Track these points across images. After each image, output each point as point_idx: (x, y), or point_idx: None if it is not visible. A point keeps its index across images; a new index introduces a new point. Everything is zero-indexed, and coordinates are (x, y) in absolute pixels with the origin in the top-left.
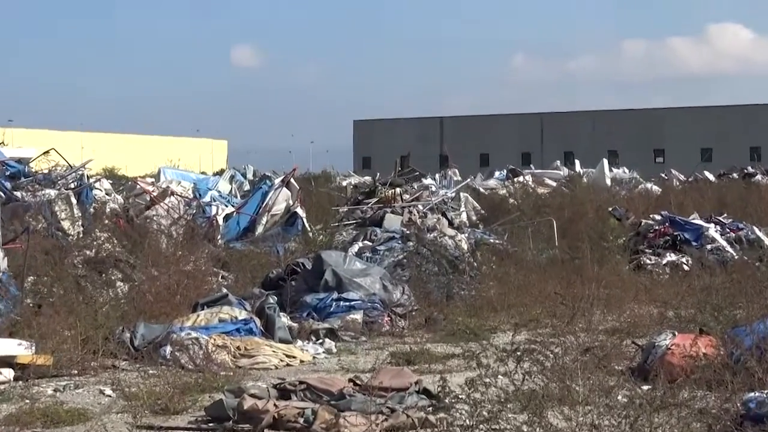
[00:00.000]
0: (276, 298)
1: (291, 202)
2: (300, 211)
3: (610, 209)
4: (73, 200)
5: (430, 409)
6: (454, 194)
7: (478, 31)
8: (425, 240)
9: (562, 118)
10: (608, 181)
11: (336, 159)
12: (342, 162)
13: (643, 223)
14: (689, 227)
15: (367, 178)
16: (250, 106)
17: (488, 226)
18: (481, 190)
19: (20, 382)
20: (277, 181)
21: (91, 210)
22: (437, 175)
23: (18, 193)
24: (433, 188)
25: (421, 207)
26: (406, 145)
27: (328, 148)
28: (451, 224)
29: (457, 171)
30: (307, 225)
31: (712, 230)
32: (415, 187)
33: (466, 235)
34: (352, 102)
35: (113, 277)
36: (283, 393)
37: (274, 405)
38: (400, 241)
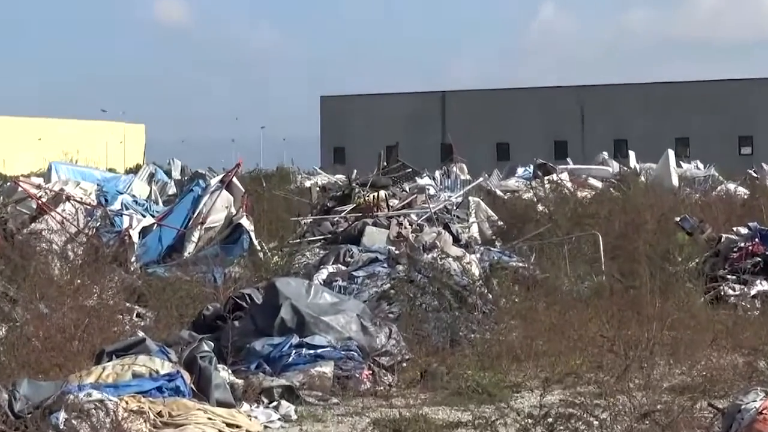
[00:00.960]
0: (212, 344)
1: (233, 211)
2: (246, 222)
3: (678, 219)
4: None
5: None
6: (460, 199)
7: None
8: (420, 263)
9: (609, 94)
10: (675, 181)
11: (297, 151)
12: (305, 155)
13: (723, 239)
14: None
15: (340, 177)
16: (179, 78)
17: (508, 244)
18: (499, 193)
19: None
20: (215, 181)
21: None
22: (438, 173)
23: None
24: (432, 191)
25: (414, 217)
26: (393, 130)
27: (285, 135)
28: (456, 241)
29: (464, 167)
30: (255, 242)
31: None
32: (407, 189)
33: (478, 255)
34: (319, 72)
35: None
36: None
37: None
38: (385, 265)
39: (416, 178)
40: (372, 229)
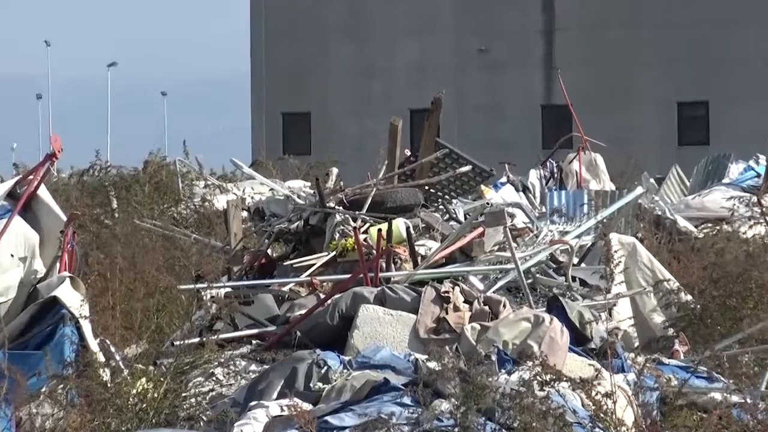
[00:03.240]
0: None
1: (40, 266)
2: (70, 294)
3: None
4: None
5: None
6: (589, 240)
7: None
8: (492, 394)
9: None
10: None
11: (197, 124)
12: (217, 138)
13: None
14: None
15: (297, 187)
16: None
17: (705, 349)
18: (682, 222)
19: None
20: None
21: None
22: (534, 174)
23: None
24: (524, 217)
25: (475, 281)
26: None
27: (166, 88)
28: (583, 339)
29: (599, 161)
30: (92, 343)
31: None
32: (466, 213)
33: (631, 374)
34: None
35: None
36: None
37: None
38: (406, 398)
39: (486, 187)
40: (372, 311)
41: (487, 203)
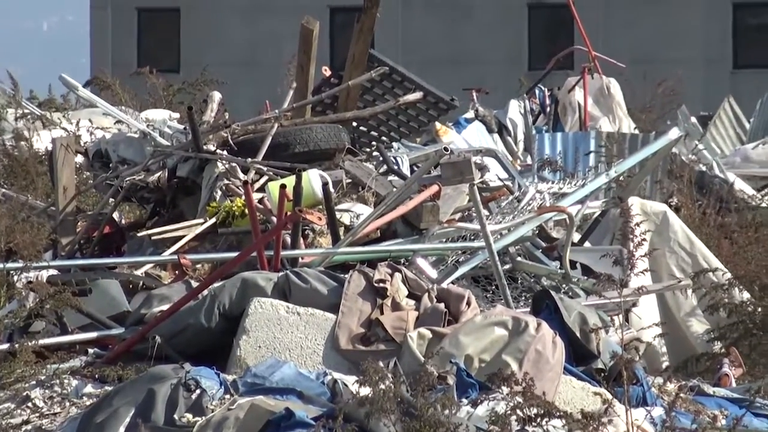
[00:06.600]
0: None
1: None
2: None
3: None
4: None
5: None
6: (597, 208)
7: None
8: None
9: None
10: None
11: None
12: (55, 49)
13: None
14: None
15: (160, 119)
16: None
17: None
18: (738, 184)
19: None
20: None
21: None
22: (516, 105)
23: None
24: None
25: (423, 264)
26: None
27: None
28: (588, 355)
29: (612, 90)
30: None
31: None
32: (421, 164)
33: (657, 408)
34: None
35: None
36: None
37: None
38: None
39: (443, 125)
40: (270, 308)
41: (445, 149)
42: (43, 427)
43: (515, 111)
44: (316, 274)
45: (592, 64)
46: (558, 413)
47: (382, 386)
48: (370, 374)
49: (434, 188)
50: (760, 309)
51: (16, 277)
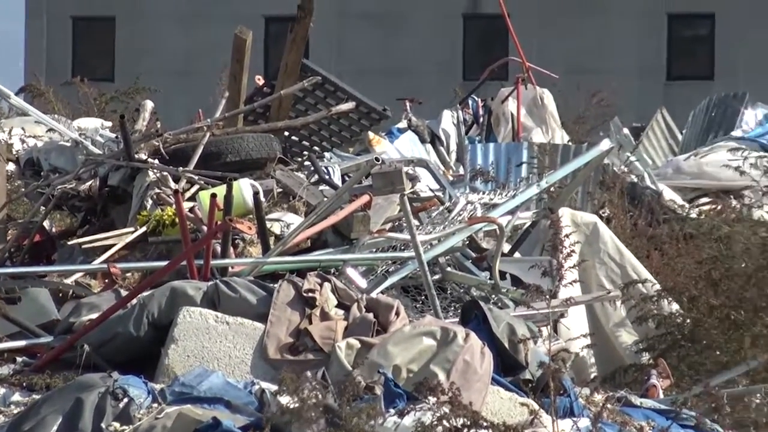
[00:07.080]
0: None
1: None
2: None
3: None
4: None
5: None
6: (528, 219)
7: None
8: None
9: None
10: None
11: None
12: None
13: None
14: None
15: (92, 127)
16: None
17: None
18: (670, 196)
19: None
20: None
21: None
22: (449, 116)
23: None
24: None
25: (353, 274)
26: None
27: None
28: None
29: (544, 99)
30: None
31: None
32: (352, 174)
33: None
34: None
35: None
36: None
37: None
38: None
39: (375, 135)
40: (198, 317)
41: (377, 159)
42: None
43: (448, 121)
44: (245, 283)
45: (526, 74)
46: (485, 424)
47: (305, 395)
48: (287, 383)
49: (365, 198)
50: (688, 320)
51: None
